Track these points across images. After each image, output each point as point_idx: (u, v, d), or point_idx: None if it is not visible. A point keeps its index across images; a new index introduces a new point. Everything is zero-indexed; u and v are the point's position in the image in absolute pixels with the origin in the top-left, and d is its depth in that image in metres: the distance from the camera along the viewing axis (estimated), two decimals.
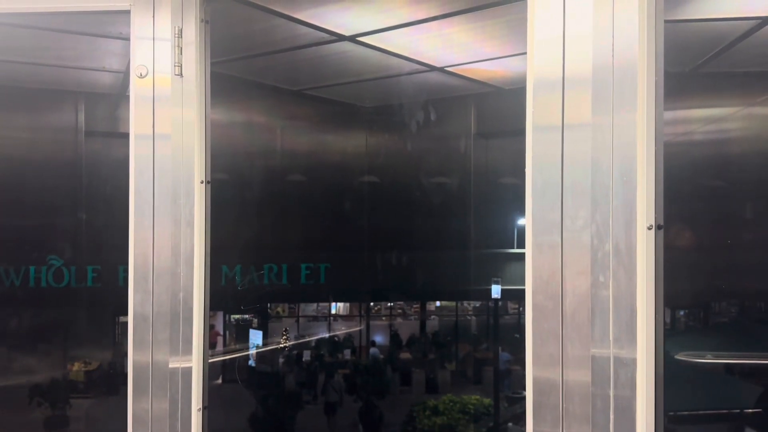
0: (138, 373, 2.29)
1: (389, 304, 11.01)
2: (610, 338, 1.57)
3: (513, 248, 7.30)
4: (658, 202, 1.55)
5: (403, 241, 7.36)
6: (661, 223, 1.54)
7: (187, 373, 2.27)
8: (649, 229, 1.54)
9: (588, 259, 1.61)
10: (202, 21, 2.24)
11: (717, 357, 4.24)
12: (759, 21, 3.95)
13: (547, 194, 1.68)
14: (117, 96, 5.82)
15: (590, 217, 1.62)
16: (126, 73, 5.25)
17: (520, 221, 7.54)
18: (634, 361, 1.55)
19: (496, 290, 7.39)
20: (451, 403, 7.30)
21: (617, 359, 1.57)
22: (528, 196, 1.70)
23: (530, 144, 1.70)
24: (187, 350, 2.27)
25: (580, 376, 1.61)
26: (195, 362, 2.26)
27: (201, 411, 2.27)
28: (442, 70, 5.83)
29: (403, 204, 7.36)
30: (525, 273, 1.66)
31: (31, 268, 6.16)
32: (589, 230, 1.61)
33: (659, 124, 1.56)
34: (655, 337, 1.54)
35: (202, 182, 2.24)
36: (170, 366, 2.27)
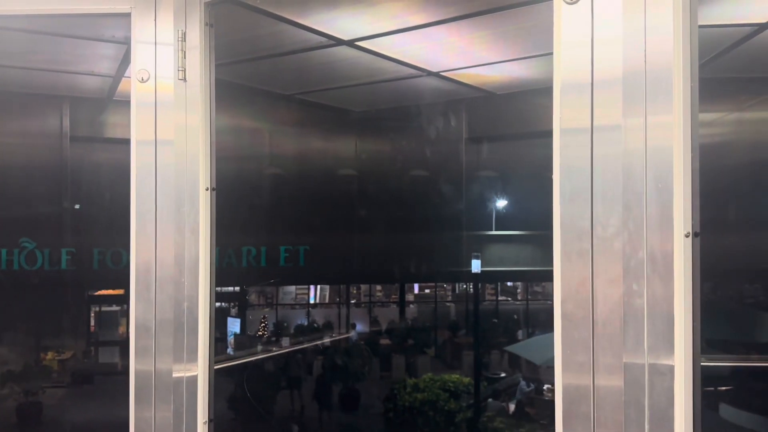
0: (140, 383, 2.23)
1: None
2: (645, 347, 1.54)
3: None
4: (695, 209, 1.52)
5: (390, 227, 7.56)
6: (698, 230, 1.52)
7: (192, 383, 2.21)
8: (686, 236, 1.51)
9: (620, 267, 1.57)
10: (206, 24, 2.18)
11: (710, 360, 4.24)
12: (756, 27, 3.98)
13: (576, 200, 1.63)
14: (105, 100, 5.76)
15: (622, 224, 1.58)
16: (116, 77, 5.19)
17: (500, 205, 7.72)
18: (671, 370, 1.52)
19: (476, 265, 7.46)
20: (431, 381, 7.45)
21: (653, 368, 1.54)
22: (555, 202, 1.65)
23: (557, 148, 1.65)
24: (192, 360, 2.21)
25: (612, 384, 1.58)
26: (201, 374, 2.19)
27: (207, 424, 2.21)
28: (437, 75, 5.84)
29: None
30: (553, 281, 1.63)
31: (2, 251, 6.15)
32: (621, 237, 1.57)
33: (695, 129, 1.52)
34: (693, 345, 1.51)
35: (207, 189, 2.18)
36: (174, 375, 2.21)
